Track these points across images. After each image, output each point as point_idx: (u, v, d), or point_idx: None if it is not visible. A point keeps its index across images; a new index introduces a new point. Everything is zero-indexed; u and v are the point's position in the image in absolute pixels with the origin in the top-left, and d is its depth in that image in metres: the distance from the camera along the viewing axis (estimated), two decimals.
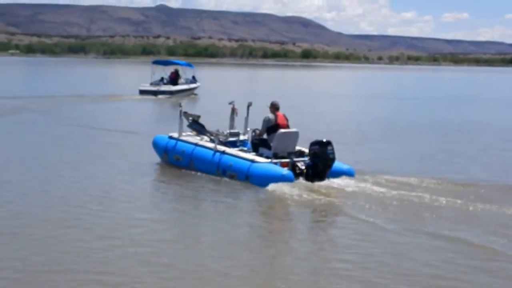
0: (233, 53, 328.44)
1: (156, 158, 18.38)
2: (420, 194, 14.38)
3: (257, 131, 16.65)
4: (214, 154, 16.30)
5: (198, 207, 13.81)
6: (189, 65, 55.36)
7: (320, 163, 15.30)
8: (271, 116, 16.33)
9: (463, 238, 11.44)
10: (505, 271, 10.05)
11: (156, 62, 54.17)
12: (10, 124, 27.98)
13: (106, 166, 17.73)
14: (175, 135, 17.78)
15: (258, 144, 16.51)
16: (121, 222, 12.16)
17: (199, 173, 16.60)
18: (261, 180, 14.98)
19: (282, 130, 16.04)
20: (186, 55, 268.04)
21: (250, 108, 18.09)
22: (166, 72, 51.50)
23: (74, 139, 22.96)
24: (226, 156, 16.09)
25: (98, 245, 10.65)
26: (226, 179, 15.79)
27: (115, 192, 14.71)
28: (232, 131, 17.70)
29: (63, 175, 16.25)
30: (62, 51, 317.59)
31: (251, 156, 15.90)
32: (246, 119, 18.14)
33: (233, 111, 18.04)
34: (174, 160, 17.48)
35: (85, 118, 30.42)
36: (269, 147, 16.05)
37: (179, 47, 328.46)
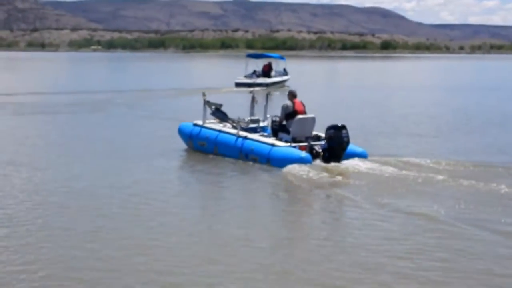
0: (312, 46, 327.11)
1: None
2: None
3: (277, 118, 17.60)
4: (236, 140, 17.33)
5: (223, 189, 14.74)
6: (281, 57, 56.44)
7: (335, 146, 16.25)
8: (289, 103, 17.37)
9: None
10: None
11: (250, 56, 55.67)
12: (103, 118, 28.63)
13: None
14: (200, 122, 18.71)
15: (278, 130, 17.48)
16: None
17: (223, 158, 17.51)
18: (281, 162, 15.94)
19: (300, 116, 17.10)
20: (265, 48, 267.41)
21: (269, 96, 19.45)
22: (258, 65, 52.63)
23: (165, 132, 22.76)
24: (248, 141, 17.11)
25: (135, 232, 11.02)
26: (248, 162, 16.77)
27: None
28: (252, 118, 18.67)
29: (131, 170, 16.34)
30: (142, 46, 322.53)
31: (271, 140, 16.92)
32: (265, 106, 19.29)
33: (253, 99, 19.10)
34: (199, 146, 18.49)
35: (188, 110, 30.20)
36: (288, 132, 17.08)
37: (258, 41, 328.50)
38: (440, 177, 14.67)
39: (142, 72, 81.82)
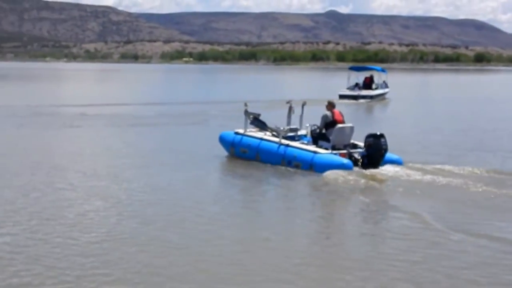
0: (403, 58, 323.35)
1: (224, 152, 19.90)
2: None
3: (315, 127, 18.61)
4: (279, 147, 18.17)
5: (267, 192, 15.49)
6: (382, 70, 56.14)
7: (374, 153, 17.17)
8: (328, 113, 18.34)
9: None
10: None
11: (352, 68, 55.67)
12: (199, 129, 28.06)
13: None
14: (241, 131, 19.54)
15: (317, 138, 18.40)
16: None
17: (265, 164, 18.07)
18: (325, 168, 16.73)
19: (340, 125, 18.04)
20: (356, 60, 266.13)
21: (304, 107, 19.88)
22: (358, 78, 52.66)
23: None
24: (290, 148, 17.94)
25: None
26: (290, 169, 17.45)
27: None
28: (291, 127, 19.36)
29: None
30: (233, 58, 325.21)
31: (313, 148, 17.78)
32: (301, 116, 19.89)
33: (290, 109, 19.57)
34: (241, 153, 19.25)
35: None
36: (328, 140, 18.02)
37: (349, 53, 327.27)
38: (475, 184, 15.21)
39: (237, 84, 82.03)
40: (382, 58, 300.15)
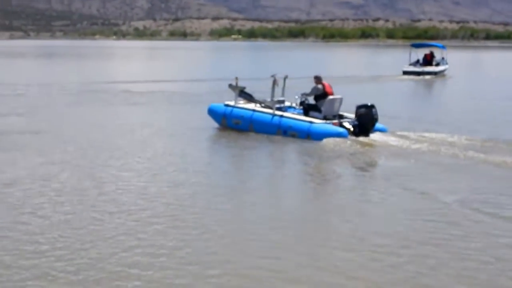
0: (454, 35, 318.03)
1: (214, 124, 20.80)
2: None
3: (305, 98, 19.84)
4: (273, 117, 19.18)
5: (273, 158, 16.61)
6: (442, 47, 55.93)
7: (366, 122, 18.42)
8: (319, 86, 19.50)
9: None
10: None
11: (414, 45, 56.09)
12: None
13: None
14: (231, 103, 20.45)
15: (309, 109, 19.59)
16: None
17: (261, 134, 19.02)
18: (322, 137, 17.97)
19: (331, 97, 19.33)
20: (406, 37, 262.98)
21: (286, 80, 20.64)
22: (418, 54, 52.95)
23: None
24: (285, 119, 18.97)
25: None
26: (287, 137, 18.52)
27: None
28: (279, 98, 20.17)
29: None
30: (282, 36, 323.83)
31: (307, 118, 18.84)
32: (283, 89, 20.76)
33: (274, 82, 20.09)
34: (234, 124, 20.15)
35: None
36: (319, 111, 19.25)
37: (399, 30, 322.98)
38: (455, 151, 16.33)
39: (286, 61, 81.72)
40: (432, 35, 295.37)
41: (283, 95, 20.56)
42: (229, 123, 20.27)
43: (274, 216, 10.66)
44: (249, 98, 20.70)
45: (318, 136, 18.05)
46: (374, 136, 18.42)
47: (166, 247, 8.98)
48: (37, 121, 21.67)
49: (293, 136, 18.56)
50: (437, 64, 50.91)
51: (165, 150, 16.52)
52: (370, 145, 17.51)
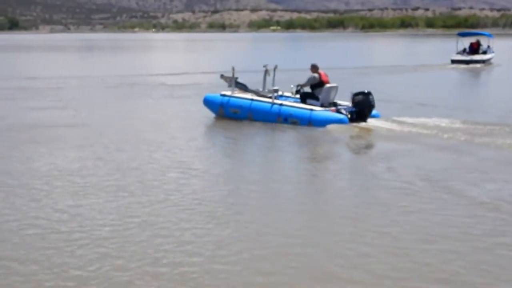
0: (495, 23, 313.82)
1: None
2: None
3: (300, 87, 20.53)
4: (272, 106, 19.68)
5: (279, 143, 17.22)
6: (489, 35, 55.60)
7: (364, 108, 19.11)
8: (316, 75, 20.03)
9: None
10: None
11: (461, 34, 55.83)
12: None
13: None
14: (228, 93, 20.86)
15: (306, 97, 20.16)
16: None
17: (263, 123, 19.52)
18: (324, 123, 18.69)
19: (328, 85, 19.94)
20: (445, 26, 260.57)
21: (276, 70, 21.06)
22: (463, 42, 52.74)
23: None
24: (285, 107, 19.52)
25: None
26: (287, 125, 19.10)
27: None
28: (274, 88, 20.43)
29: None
30: (321, 26, 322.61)
31: (308, 106, 19.46)
32: (273, 78, 21.08)
33: (266, 72, 20.95)
34: (231, 113, 20.53)
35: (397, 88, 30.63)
36: (316, 99, 19.86)
37: (438, 19, 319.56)
38: (446, 135, 17.04)
39: (325, 51, 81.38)
40: (473, 23, 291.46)
41: (273, 84, 20.92)
42: (227, 113, 20.68)
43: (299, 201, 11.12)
44: (244, 88, 21.38)
45: (320, 123, 18.78)
46: (372, 122, 19.19)
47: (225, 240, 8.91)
48: (75, 115, 21.72)
49: (294, 123, 19.16)
50: (484, 53, 50.41)
51: (198, 143, 16.77)
52: (369, 130, 18.38)
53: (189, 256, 8.30)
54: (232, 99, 20.64)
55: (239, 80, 21.36)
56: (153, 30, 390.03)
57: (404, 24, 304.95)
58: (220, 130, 18.98)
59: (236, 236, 9.08)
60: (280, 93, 20.71)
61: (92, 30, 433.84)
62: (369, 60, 58.92)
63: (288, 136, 17.83)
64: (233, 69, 20.87)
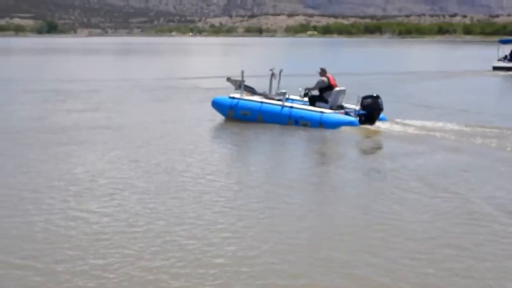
0: None
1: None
2: None
3: (308, 90, 20.95)
4: (282, 108, 20.09)
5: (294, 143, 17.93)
6: None
7: (373, 111, 19.61)
8: (325, 79, 20.54)
9: None
10: None
11: (501, 41, 55.25)
12: None
13: None
14: (237, 95, 21.13)
15: (315, 100, 20.58)
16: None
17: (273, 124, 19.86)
18: (335, 125, 19.17)
19: (337, 88, 20.51)
20: (483, 33, 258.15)
21: (281, 73, 21.68)
22: (504, 49, 52.22)
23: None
24: (295, 109, 19.97)
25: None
26: (298, 127, 19.51)
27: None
28: (282, 91, 21.02)
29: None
30: (358, 32, 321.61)
31: (318, 108, 19.94)
32: (279, 82, 21.66)
33: (272, 75, 21.35)
34: (241, 115, 20.83)
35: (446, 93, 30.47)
36: (326, 102, 20.37)
37: (476, 26, 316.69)
38: (452, 137, 17.61)
39: (362, 57, 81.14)
40: (511, 31, 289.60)
41: (279, 88, 21.46)
42: (237, 115, 20.98)
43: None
44: (252, 91, 21.61)
45: (331, 125, 19.24)
46: (379, 124, 19.70)
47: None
48: (109, 117, 21.88)
49: (305, 125, 19.59)
50: None
51: (226, 149, 16.96)
52: (372, 132, 18.91)
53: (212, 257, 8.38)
54: (241, 101, 21.00)
55: (246, 83, 21.54)
56: (190, 34, 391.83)
57: (442, 30, 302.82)
58: (244, 132, 19.15)
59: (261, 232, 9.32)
60: (286, 96, 20.98)
61: (130, 33, 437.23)
62: (407, 66, 58.63)
63: (302, 136, 18.43)
64: (242, 72, 21.06)
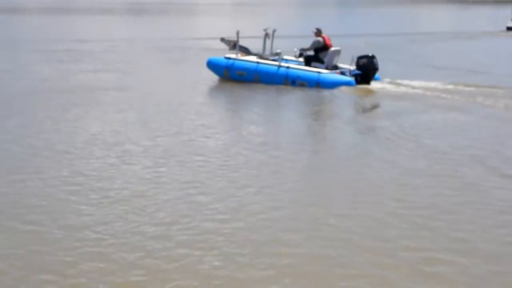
0: None
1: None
2: None
3: (303, 50, 21.07)
4: (279, 68, 20.22)
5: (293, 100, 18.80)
6: None
7: (368, 71, 19.89)
8: (320, 39, 20.70)
9: None
10: None
11: None
12: None
13: None
14: (232, 56, 21.27)
15: (310, 60, 20.70)
16: None
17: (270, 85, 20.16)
18: (332, 85, 19.47)
19: (333, 48, 20.74)
20: None
21: (274, 33, 21.80)
22: None
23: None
24: (291, 69, 20.14)
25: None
26: (295, 87, 19.84)
27: None
28: (276, 51, 21.00)
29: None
30: None
31: (314, 69, 20.14)
32: (272, 41, 21.77)
33: (266, 35, 21.55)
34: (237, 75, 20.95)
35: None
36: (321, 62, 20.49)
37: None
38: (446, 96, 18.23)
39: (384, 18, 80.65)
40: None
41: (272, 48, 21.67)
42: (233, 75, 21.10)
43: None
44: (247, 51, 21.80)
45: (329, 85, 19.53)
46: (374, 84, 20.14)
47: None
48: (119, 78, 22.21)
49: (302, 85, 19.84)
50: None
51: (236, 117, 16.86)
52: (368, 91, 19.45)
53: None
54: (237, 61, 21.15)
55: (240, 43, 21.64)
56: None
57: None
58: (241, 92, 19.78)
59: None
60: (281, 56, 21.03)
61: None
62: (418, 26, 58.29)
63: (300, 96, 18.98)
64: (237, 32, 21.22)
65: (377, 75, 20.47)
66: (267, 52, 21.59)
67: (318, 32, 21.00)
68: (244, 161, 11.31)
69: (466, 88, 19.15)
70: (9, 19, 72.79)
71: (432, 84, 19.87)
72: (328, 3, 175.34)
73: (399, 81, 20.48)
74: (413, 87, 19.62)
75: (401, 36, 43.57)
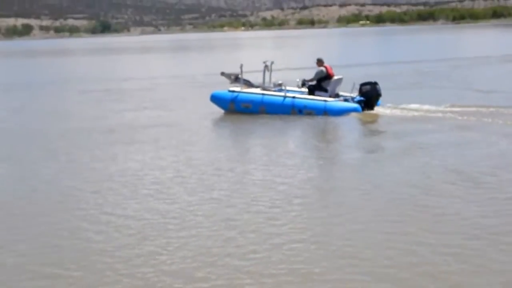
0: None
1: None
2: None
3: (305, 81, 21.25)
4: (284, 98, 20.44)
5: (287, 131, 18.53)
6: None
7: (371, 97, 20.21)
8: (323, 69, 21.01)
9: None
10: None
11: None
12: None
13: None
14: (236, 89, 21.39)
15: (314, 89, 21.04)
16: None
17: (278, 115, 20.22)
18: (340, 113, 19.73)
19: (336, 77, 21.03)
20: None
21: (272, 65, 22.05)
22: None
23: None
24: (297, 99, 20.38)
25: None
26: (303, 116, 19.92)
27: None
28: (278, 82, 21.44)
29: None
30: (411, 19, 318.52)
31: (320, 97, 20.39)
32: (270, 74, 22.01)
33: (265, 67, 21.77)
34: (243, 108, 21.09)
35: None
36: (325, 91, 20.85)
37: None
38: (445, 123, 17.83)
39: (416, 45, 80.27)
40: None
41: (270, 79, 21.90)
42: (238, 107, 21.21)
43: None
44: (249, 83, 21.99)
45: (336, 112, 19.76)
46: (378, 109, 20.31)
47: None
48: (163, 115, 22.10)
49: (309, 114, 19.97)
50: None
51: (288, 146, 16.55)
52: (372, 116, 19.58)
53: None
54: (241, 94, 21.26)
55: (240, 76, 21.80)
56: (242, 28, 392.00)
57: (496, 14, 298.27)
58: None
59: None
60: (283, 87, 21.18)
61: (182, 30, 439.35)
62: (462, 51, 57.79)
63: (310, 123, 19.00)
64: (241, 66, 21.41)
65: (379, 101, 20.71)
66: (267, 84, 21.71)
67: (320, 62, 21.29)
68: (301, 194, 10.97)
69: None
70: (60, 61, 74.10)
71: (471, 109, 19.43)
72: (368, 33, 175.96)
73: (411, 105, 20.58)
74: (418, 110, 19.83)
75: (444, 61, 43.19)
